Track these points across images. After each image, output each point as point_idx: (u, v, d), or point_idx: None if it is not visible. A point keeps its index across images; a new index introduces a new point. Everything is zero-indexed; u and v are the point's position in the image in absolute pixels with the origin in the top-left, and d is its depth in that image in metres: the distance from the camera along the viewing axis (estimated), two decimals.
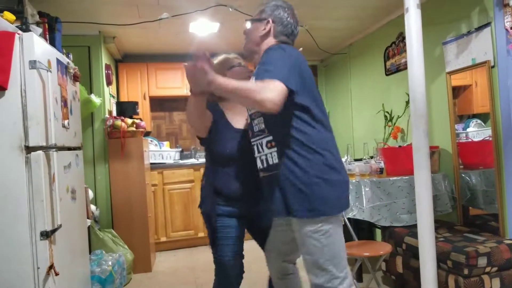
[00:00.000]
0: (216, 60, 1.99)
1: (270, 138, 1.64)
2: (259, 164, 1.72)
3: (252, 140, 1.75)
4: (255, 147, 1.72)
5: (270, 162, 1.65)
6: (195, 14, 3.32)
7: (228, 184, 1.88)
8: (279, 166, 1.61)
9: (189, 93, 1.72)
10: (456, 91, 3.04)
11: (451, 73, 3.01)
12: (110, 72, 4.00)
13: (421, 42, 2.21)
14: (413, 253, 2.64)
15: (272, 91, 1.42)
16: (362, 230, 3.48)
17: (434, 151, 3.04)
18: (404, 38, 3.47)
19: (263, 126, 1.66)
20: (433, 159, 2.97)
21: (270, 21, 1.71)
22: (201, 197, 1.98)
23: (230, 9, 3.25)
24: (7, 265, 1.85)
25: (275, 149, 1.62)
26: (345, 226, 2.86)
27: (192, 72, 1.52)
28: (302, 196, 1.56)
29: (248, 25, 1.79)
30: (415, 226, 2.39)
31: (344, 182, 1.65)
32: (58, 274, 1.93)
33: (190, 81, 1.59)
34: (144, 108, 4.61)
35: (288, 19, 1.73)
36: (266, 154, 1.66)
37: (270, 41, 1.72)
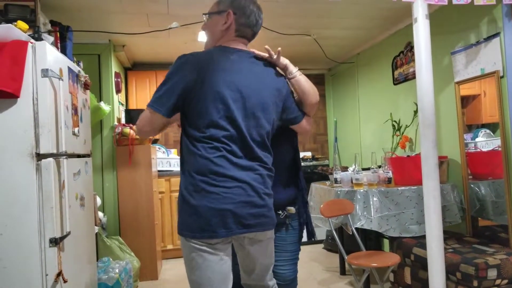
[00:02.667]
0: None
1: None
2: None
3: None
4: None
5: None
6: None
7: None
8: None
9: None
10: (465, 101, 3.03)
11: (459, 83, 3.00)
12: (119, 80, 4.04)
13: (430, 51, 2.21)
14: (421, 264, 2.61)
15: (139, 120, 1.57)
16: (369, 240, 3.46)
17: (442, 161, 3.02)
18: (412, 47, 3.47)
19: None
20: (442, 169, 2.95)
21: (231, 13, 1.53)
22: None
23: None
24: (16, 271, 1.86)
25: None
26: (352, 236, 2.86)
27: None
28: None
29: (206, 19, 1.63)
30: (423, 237, 2.37)
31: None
32: (67, 281, 1.94)
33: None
34: None
35: (251, 7, 1.56)
36: None
37: (230, 36, 1.57)
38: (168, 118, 1.53)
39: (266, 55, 1.64)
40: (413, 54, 3.40)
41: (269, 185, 1.58)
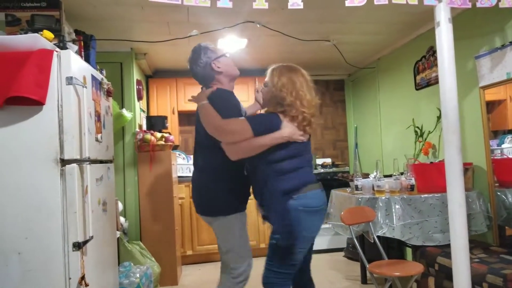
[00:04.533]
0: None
1: None
2: None
3: None
4: None
5: None
6: (224, 31, 3.38)
7: None
8: None
9: None
10: (490, 106, 2.95)
11: (484, 87, 2.92)
12: (141, 87, 4.10)
13: (453, 56, 2.16)
14: (446, 274, 2.54)
15: None
16: (391, 248, 3.39)
17: (467, 168, 2.94)
18: (434, 52, 3.41)
19: None
20: (467, 177, 2.87)
21: None
22: None
23: (258, 25, 3.29)
24: (40, 274, 1.90)
25: None
26: (374, 244, 2.80)
27: None
28: None
29: None
30: (447, 245, 2.31)
31: None
32: (88, 285, 1.97)
33: None
34: (172, 122, 4.69)
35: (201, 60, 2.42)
36: None
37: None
38: None
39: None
40: (435, 59, 3.34)
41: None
